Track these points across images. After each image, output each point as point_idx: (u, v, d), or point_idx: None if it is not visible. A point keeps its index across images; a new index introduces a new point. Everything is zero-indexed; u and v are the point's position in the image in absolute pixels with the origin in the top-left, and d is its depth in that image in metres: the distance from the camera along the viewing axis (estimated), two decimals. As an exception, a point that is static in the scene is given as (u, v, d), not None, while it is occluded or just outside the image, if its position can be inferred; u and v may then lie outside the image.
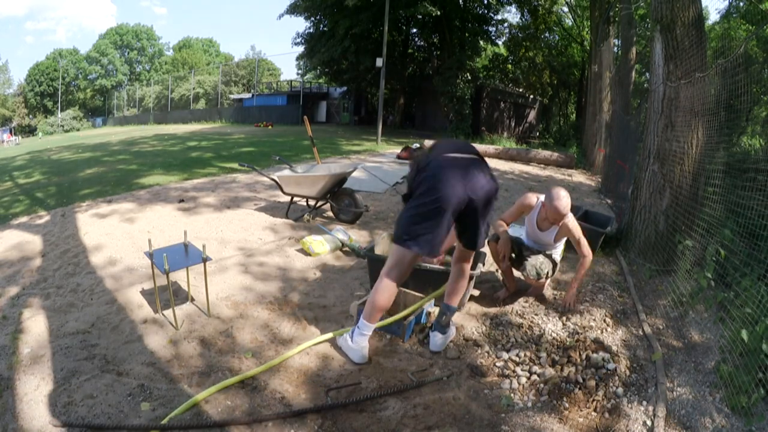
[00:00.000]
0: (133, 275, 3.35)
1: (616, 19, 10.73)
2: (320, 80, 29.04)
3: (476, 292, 3.22)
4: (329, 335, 2.55)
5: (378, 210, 5.44)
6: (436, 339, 2.47)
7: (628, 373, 2.29)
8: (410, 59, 24.14)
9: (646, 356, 2.45)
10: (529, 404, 2.07)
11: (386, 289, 2.23)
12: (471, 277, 2.88)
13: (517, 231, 4.59)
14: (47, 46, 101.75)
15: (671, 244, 3.49)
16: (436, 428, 1.90)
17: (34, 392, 2.05)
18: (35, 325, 2.62)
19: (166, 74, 43.73)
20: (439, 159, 2.17)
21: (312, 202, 5.07)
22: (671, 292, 3.10)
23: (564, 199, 2.77)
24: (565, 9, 21.52)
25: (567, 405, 2.05)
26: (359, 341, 2.32)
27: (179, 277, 3.16)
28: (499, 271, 3.32)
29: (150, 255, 2.68)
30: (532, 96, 26.19)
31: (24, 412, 1.92)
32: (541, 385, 2.18)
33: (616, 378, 2.23)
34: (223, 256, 3.77)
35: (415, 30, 23.12)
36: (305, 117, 6.65)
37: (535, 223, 3.03)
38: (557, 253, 3.12)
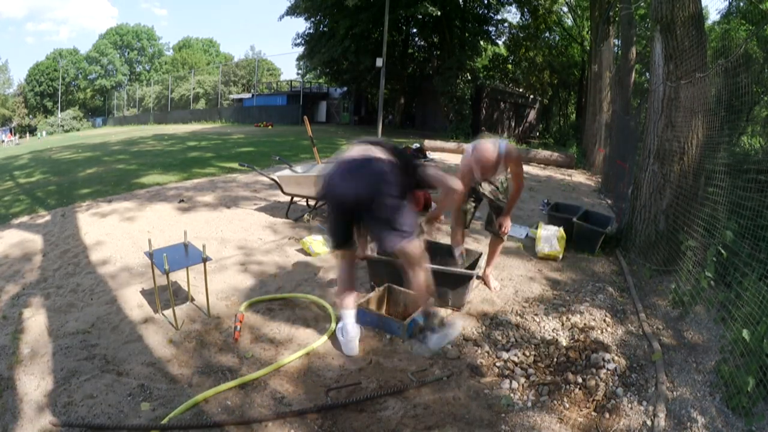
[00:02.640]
0: (133, 275, 3.35)
1: (616, 19, 10.73)
2: (320, 80, 29.03)
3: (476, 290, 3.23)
4: (322, 339, 2.56)
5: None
6: (430, 338, 2.42)
7: (628, 373, 2.29)
8: (410, 59, 24.12)
9: (646, 356, 2.45)
10: (529, 404, 2.07)
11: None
12: (470, 277, 2.88)
13: (517, 231, 4.59)
14: (48, 46, 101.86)
15: (671, 244, 3.49)
16: (436, 428, 1.90)
17: (34, 392, 2.05)
18: (35, 325, 2.62)
19: (166, 74, 43.71)
20: (335, 162, 2.37)
21: (312, 202, 5.07)
22: (671, 292, 3.10)
23: (485, 145, 2.74)
24: (565, 9, 21.51)
25: (567, 405, 2.05)
26: (347, 333, 2.41)
27: (179, 277, 3.16)
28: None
29: (150, 255, 2.68)
30: (532, 96, 26.18)
31: (24, 412, 1.92)
32: (541, 385, 2.18)
33: (616, 378, 2.23)
34: (223, 255, 3.77)
35: (415, 30, 23.09)
36: (305, 117, 6.64)
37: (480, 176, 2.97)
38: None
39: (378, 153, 2.28)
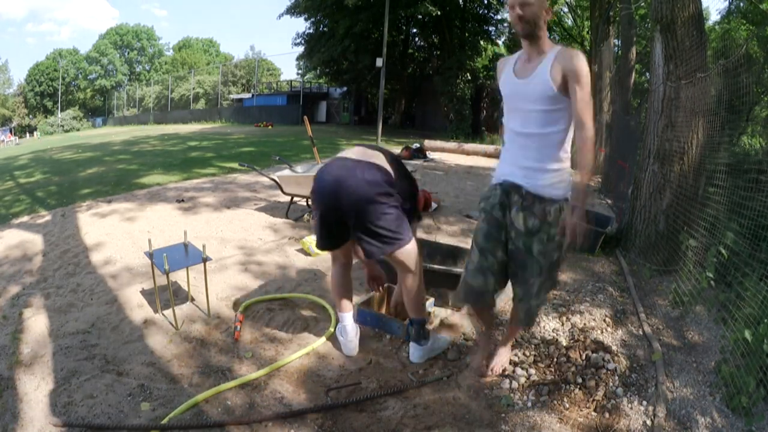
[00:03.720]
0: (133, 275, 3.35)
1: (616, 19, 10.72)
2: (320, 80, 29.03)
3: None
4: (322, 339, 2.56)
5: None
6: (413, 350, 2.36)
7: (628, 373, 2.29)
8: (410, 59, 24.13)
9: (646, 356, 2.45)
10: (529, 404, 2.07)
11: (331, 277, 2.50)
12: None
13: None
14: (48, 46, 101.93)
15: (671, 244, 3.49)
16: (436, 428, 1.90)
17: (34, 392, 2.05)
18: (35, 325, 2.62)
19: (166, 74, 43.72)
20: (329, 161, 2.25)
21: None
22: (671, 292, 3.10)
23: None
24: (565, 9, 21.51)
25: (567, 405, 2.05)
26: (347, 334, 2.41)
27: (179, 277, 3.16)
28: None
29: (150, 255, 2.68)
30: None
31: (24, 412, 1.92)
32: (541, 385, 2.18)
33: (616, 378, 2.23)
34: (223, 255, 3.77)
35: (415, 30, 23.11)
36: (305, 117, 6.64)
37: (513, 74, 1.91)
38: (566, 139, 1.92)
39: (375, 159, 2.14)
